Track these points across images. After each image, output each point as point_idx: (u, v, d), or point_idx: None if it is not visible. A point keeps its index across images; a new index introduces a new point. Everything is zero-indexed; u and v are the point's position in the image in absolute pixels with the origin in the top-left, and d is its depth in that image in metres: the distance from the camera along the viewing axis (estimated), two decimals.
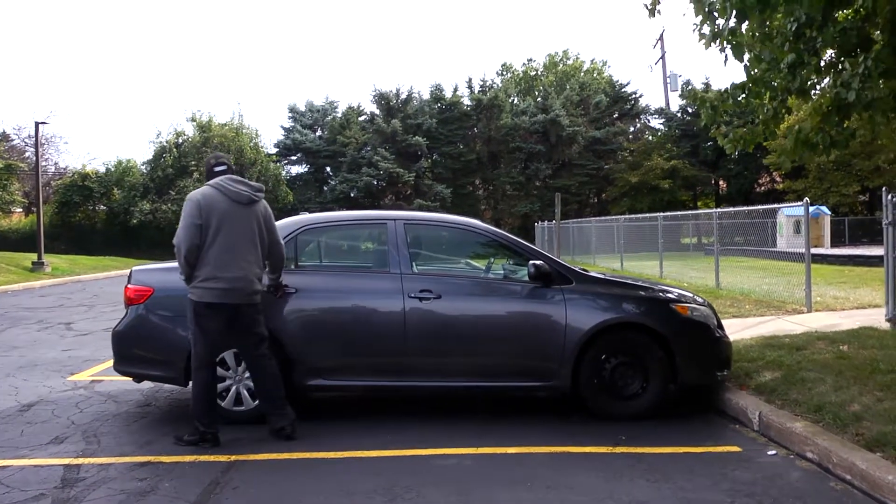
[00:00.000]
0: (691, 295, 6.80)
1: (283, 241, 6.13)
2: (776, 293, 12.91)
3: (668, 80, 48.54)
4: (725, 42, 6.06)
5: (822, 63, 6.42)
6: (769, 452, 5.26)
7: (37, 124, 28.91)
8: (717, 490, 4.53)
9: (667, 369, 6.15)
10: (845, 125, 6.34)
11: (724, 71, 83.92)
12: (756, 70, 6.39)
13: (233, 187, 5.56)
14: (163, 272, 6.47)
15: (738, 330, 9.11)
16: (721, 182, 45.78)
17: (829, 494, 4.46)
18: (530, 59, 64.10)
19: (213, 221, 5.41)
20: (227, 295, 5.41)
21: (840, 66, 6.23)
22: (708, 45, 6.15)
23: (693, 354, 6.24)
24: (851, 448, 4.80)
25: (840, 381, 6.21)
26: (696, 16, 6.10)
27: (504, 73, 61.50)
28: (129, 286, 6.25)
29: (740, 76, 6.84)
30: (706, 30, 6.16)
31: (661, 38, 51.15)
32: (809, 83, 6.32)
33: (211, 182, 5.62)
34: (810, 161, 31.16)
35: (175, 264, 6.19)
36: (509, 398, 6.86)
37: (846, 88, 5.82)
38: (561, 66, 61.88)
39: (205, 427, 5.44)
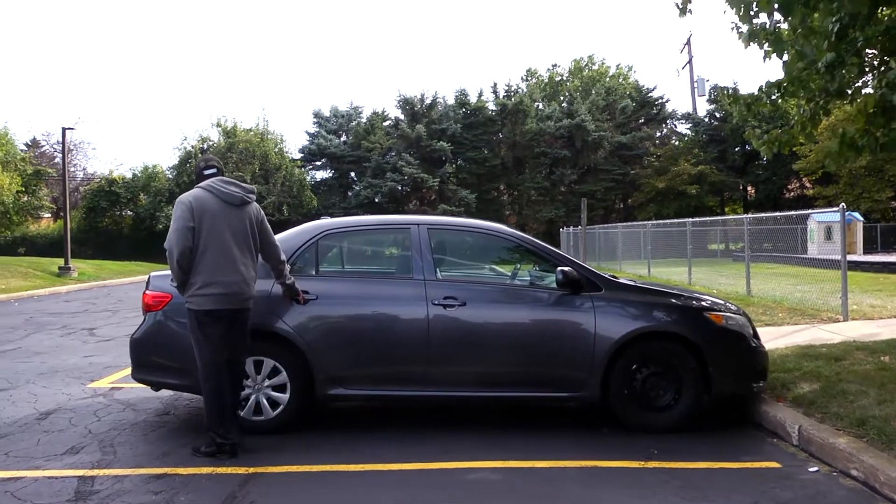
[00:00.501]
0: (724, 302, 6.56)
1: (302, 246, 6.04)
2: (810, 301, 12.58)
3: (696, 84, 48.12)
4: (765, 40, 5.83)
5: (865, 63, 6.16)
6: (810, 469, 5.01)
7: (63, 130, 29.14)
8: None
9: (700, 380, 5.92)
10: (893, 126, 6.08)
11: (753, 76, 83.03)
12: (795, 69, 6.14)
13: (224, 189, 5.42)
14: None
15: (772, 339, 8.83)
16: (749, 188, 45.17)
17: None
18: (555, 65, 64.11)
19: (206, 224, 5.27)
20: (225, 300, 5.28)
21: (884, 67, 5.96)
22: (747, 44, 5.93)
23: (728, 364, 6.01)
24: None
25: (883, 393, 5.94)
26: (735, 13, 5.87)
27: (529, 78, 61.24)
28: (147, 292, 6.12)
29: (773, 79, 6.54)
30: (744, 27, 5.94)
31: (688, 42, 50.77)
32: (850, 83, 6.05)
33: (202, 184, 5.48)
34: (842, 168, 30.64)
35: None
36: (537, 409, 6.65)
37: (891, 90, 5.56)
38: (586, 71, 61.50)
39: (221, 438, 5.28)
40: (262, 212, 5.71)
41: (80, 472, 4.95)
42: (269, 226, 5.70)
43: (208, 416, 5.35)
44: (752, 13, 5.87)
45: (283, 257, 5.75)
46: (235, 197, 5.44)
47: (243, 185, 5.60)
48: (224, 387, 5.38)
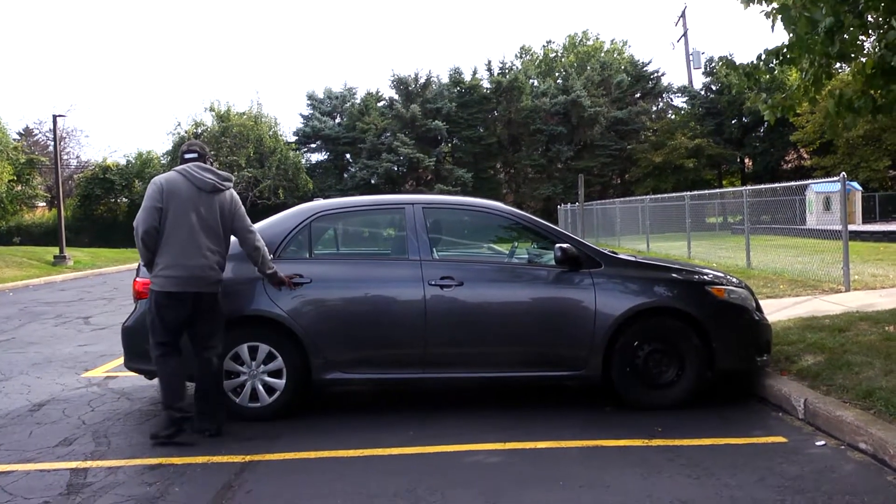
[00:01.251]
0: (725, 275, 6.45)
1: (295, 228, 5.95)
2: (811, 272, 12.47)
3: (691, 57, 47.79)
4: (765, 2, 5.69)
5: (868, 25, 6.00)
6: (817, 443, 4.92)
7: (55, 118, 28.86)
8: (765, 486, 4.20)
9: (703, 355, 5.82)
10: (891, 88, 5.95)
11: (749, 48, 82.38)
12: (792, 32, 5.99)
13: (198, 174, 5.38)
14: None
15: (774, 311, 8.73)
16: (747, 160, 45.01)
17: (888, 490, 4.10)
18: (550, 41, 63.65)
19: (174, 206, 5.27)
20: (188, 283, 5.25)
21: (885, 27, 5.82)
22: (747, 5, 5.79)
23: (731, 339, 5.91)
24: None
25: (889, 364, 5.84)
26: None
27: (523, 55, 60.79)
28: (137, 279, 6.00)
29: (769, 47, 6.41)
30: None
31: (683, 14, 50.49)
32: (852, 44, 5.90)
33: (177, 168, 5.47)
34: (839, 137, 30.47)
35: None
36: (537, 389, 6.55)
37: (891, 51, 5.41)
38: (581, 46, 61.00)
39: (180, 412, 5.28)
40: (238, 200, 5.66)
41: (73, 465, 4.85)
42: (244, 213, 5.65)
43: (165, 396, 5.33)
44: None
45: (260, 244, 5.63)
46: (207, 183, 5.38)
47: (219, 172, 5.56)
48: (176, 365, 5.36)
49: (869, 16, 5.99)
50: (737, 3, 6.43)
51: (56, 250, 28.12)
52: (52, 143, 34.24)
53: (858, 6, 5.58)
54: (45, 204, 46.93)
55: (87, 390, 7.01)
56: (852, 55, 6.01)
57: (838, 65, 6.54)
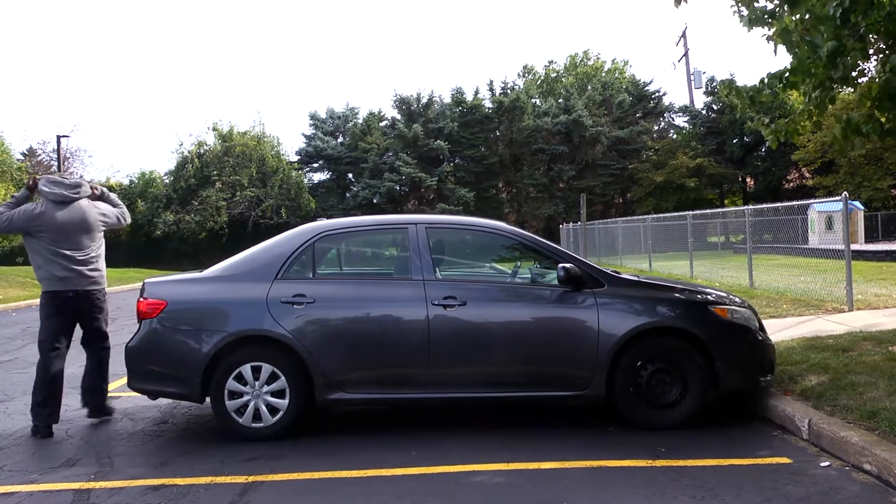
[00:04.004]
0: (728, 295, 6.45)
1: (299, 248, 5.98)
2: (814, 291, 12.47)
3: (692, 77, 47.90)
4: (766, 25, 5.75)
5: (869, 48, 6.05)
6: (822, 464, 4.90)
7: (58, 138, 29.14)
8: None
9: (706, 375, 5.81)
10: None
11: (750, 65, 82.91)
12: (793, 55, 6.04)
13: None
14: (176, 284, 6.25)
15: (777, 330, 8.72)
16: (748, 179, 45.05)
17: None
18: (551, 61, 63.73)
19: None
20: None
21: (888, 51, 5.86)
22: (750, 28, 5.85)
23: (734, 359, 5.90)
24: None
25: (893, 384, 5.84)
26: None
27: (525, 74, 61.06)
28: (141, 299, 6.03)
29: (765, 70, 6.56)
30: (745, 11, 5.87)
31: (683, 34, 50.55)
32: (853, 68, 5.94)
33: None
34: (842, 157, 30.53)
35: (190, 275, 5.98)
36: (540, 409, 6.54)
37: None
38: (582, 66, 61.28)
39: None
40: None
41: (76, 485, 4.84)
42: None
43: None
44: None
45: None
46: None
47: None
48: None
49: (870, 40, 6.02)
50: (737, 24, 6.47)
51: None
52: (56, 163, 34.34)
53: (859, 30, 5.62)
54: None
55: None
56: (855, 79, 6.04)
57: (841, 88, 6.58)
